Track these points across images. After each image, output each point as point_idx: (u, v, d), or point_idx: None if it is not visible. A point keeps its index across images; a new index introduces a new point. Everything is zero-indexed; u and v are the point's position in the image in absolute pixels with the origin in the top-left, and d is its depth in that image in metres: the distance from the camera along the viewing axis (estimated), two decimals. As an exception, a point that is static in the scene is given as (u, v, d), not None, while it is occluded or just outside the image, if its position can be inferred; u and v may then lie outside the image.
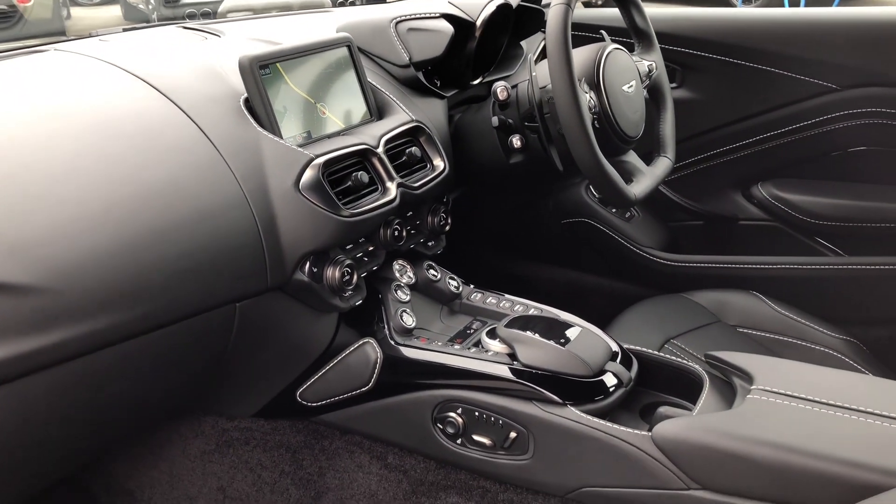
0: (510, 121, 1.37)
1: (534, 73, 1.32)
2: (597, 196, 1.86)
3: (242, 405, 1.25)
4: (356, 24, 1.38)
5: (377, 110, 1.28)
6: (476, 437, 1.11)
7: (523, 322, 1.14)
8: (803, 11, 1.72)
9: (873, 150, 1.65)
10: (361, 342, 1.17)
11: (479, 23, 1.42)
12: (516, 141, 1.35)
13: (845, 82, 1.58)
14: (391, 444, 1.21)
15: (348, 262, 1.12)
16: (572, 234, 1.87)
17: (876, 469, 0.86)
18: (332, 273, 1.10)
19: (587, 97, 1.27)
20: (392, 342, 1.16)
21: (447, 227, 1.34)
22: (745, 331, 1.58)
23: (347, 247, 1.16)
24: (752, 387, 1.00)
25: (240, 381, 1.21)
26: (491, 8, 1.43)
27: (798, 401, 0.96)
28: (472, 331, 1.23)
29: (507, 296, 1.29)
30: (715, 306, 1.62)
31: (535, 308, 1.25)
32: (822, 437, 0.91)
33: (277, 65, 1.12)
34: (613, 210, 1.86)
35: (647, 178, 1.39)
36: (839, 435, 0.91)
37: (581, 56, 1.32)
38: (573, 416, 1.03)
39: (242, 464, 1.30)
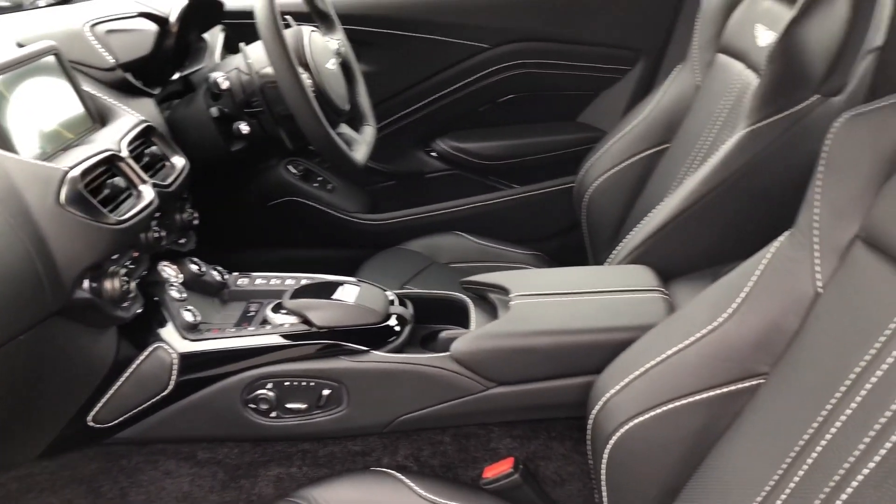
0: (226, 109, 1.41)
1: (249, 61, 1.37)
2: (296, 173, 1.96)
3: (23, 451, 1.16)
4: (48, 34, 1.29)
5: (99, 116, 1.24)
6: (290, 406, 1.17)
7: (305, 291, 1.22)
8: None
9: (521, 95, 1.98)
10: (152, 348, 1.15)
11: (174, 19, 1.42)
12: (243, 127, 1.40)
13: (494, 41, 1.87)
14: (199, 440, 1.22)
15: (123, 271, 1.10)
16: (281, 213, 1.95)
17: (624, 328, 1.12)
18: (111, 285, 1.07)
19: (305, 77, 1.37)
20: (184, 340, 1.16)
21: (195, 222, 1.35)
22: (457, 265, 1.83)
23: (114, 257, 1.13)
24: (511, 296, 1.22)
25: (20, 425, 1.11)
26: (184, 3, 1.44)
27: (550, 296, 1.20)
28: (252, 313, 1.27)
29: (271, 274, 1.35)
30: (428, 251, 1.84)
31: (304, 279, 1.33)
32: (578, 316, 1.16)
33: (-7, 82, 1.05)
34: (315, 184, 1.97)
35: (362, 145, 1.53)
36: (590, 311, 1.16)
37: (288, 40, 1.40)
38: (378, 358, 1.16)
39: (29, 515, 1.20)
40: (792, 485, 0.83)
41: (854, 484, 0.76)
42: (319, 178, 1.99)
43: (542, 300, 1.20)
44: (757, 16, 1.49)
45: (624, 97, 1.97)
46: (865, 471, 0.75)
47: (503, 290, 1.25)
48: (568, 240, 2.02)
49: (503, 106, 1.99)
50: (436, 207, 1.98)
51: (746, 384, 0.95)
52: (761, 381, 0.95)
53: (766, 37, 1.43)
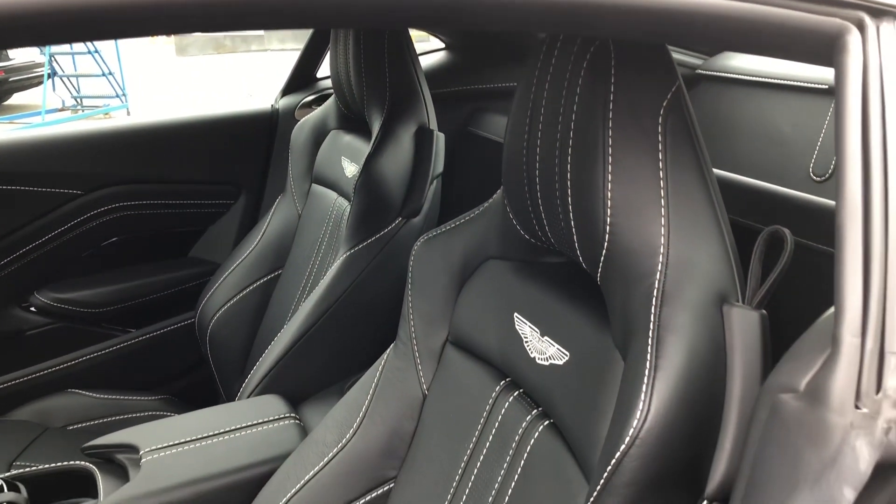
0: None
1: None
2: None
3: None
4: None
5: None
6: None
7: None
8: (38, 131, 1.85)
9: (127, 237, 1.92)
10: None
11: None
12: None
13: (88, 187, 1.80)
14: None
15: None
16: None
17: (261, 462, 1.14)
18: None
19: None
20: None
21: None
22: (77, 426, 1.68)
23: None
24: (141, 453, 1.16)
25: None
26: None
27: (182, 445, 1.17)
28: None
29: None
30: (39, 417, 1.66)
31: None
32: (214, 460, 1.14)
33: None
34: None
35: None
36: (225, 452, 1.16)
37: None
38: (-10, 559, 1.02)
39: None
40: (432, 576, 0.92)
41: (479, 561, 0.86)
42: None
43: (175, 451, 1.16)
44: (341, 149, 1.67)
45: (232, 229, 2.02)
46: (486, 547, 0.86)
47: (132, 449, 1.18)
48: (196, 377, 1.98)
49: (108, 249, 1.91)
50: (43, 367, 1.81)
51: (379, 491, 1.03)
52: (391, 485, 1.03)
53: (351, 169, 1.59)
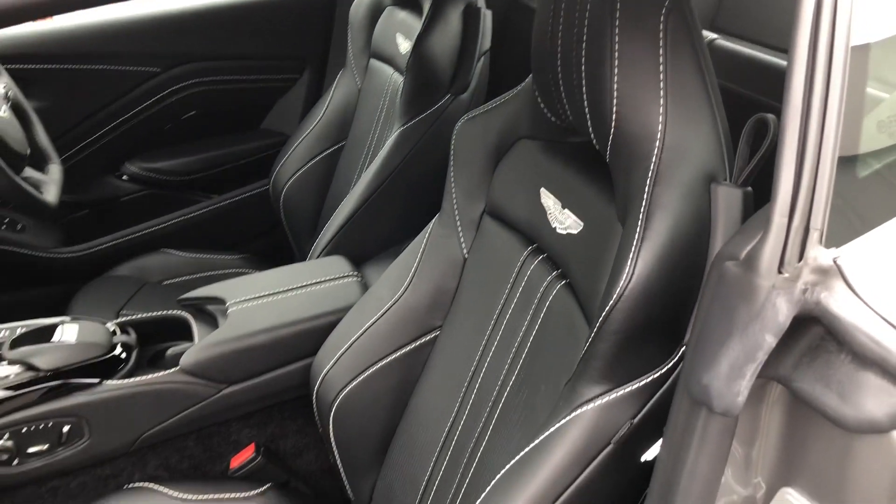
0: None
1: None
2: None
3: None
4: None
5: None
6: (31, 450, 1.22)
7: (23, 338, 1.26)
8: (118, 14, 1.99)
9: (203, 111, 2.08)
10: None
11: None
12: None
13: (165, 65, 1.95)
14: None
15: None
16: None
17: (328, 313, 1.33)
18: None
19: None
20: None
21: None
22: (170, 281, 1.91)
23: None
24: (227, 304, 1.36)
25: None
26: None
27: (262, 298, 1.36)
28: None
29: None
30: (138, 273, 1.89)
31: (18, 327, 1.35)
32: (288, 310, 1.34)
33: None
34: (2, 227, 1.92)
35: (51, 185, 1.56)
36: (298, 304, 1.35)
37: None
38: (111, 387, 1.24)
39: None
40: (469, 403, 1.10)
41: (505, 394, 1.03)
42: (6, 220, 1.93)
43: (256, 303, 1.36)
44: (396, 25, 1.75)
45: (298, 102, 2.15)
46: (510, 383, 1.03)
47: (219, 301, 1.38)
48: (272, 238, 2.18)
49: (188, 122, 2.08)
50: (137, 229, 2.03)
51: (427, 337, 1.21)
52: (437, 332, 1.21)
53: (405, 45, 1.69)
